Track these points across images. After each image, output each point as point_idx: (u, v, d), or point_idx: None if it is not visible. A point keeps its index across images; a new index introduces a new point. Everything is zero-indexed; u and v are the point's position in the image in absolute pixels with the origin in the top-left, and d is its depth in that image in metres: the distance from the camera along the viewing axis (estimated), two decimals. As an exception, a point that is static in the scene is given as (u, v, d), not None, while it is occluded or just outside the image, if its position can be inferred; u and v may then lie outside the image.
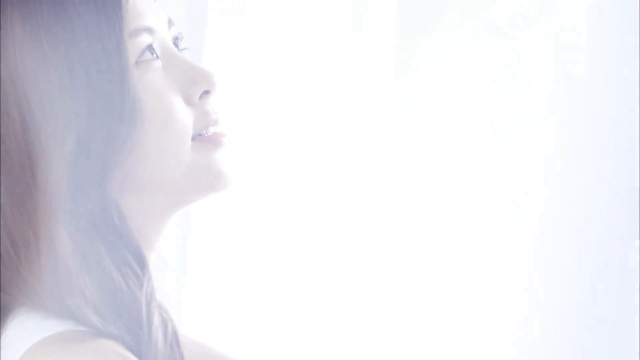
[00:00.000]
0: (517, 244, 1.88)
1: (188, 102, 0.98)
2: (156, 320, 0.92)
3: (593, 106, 1.84)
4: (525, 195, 1.87)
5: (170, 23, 1.02)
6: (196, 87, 0.99)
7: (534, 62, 1.86)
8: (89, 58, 0.93)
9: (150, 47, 0.97)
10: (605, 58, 1.82)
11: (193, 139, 0.98)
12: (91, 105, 0.92)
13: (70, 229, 0.92)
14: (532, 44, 1.85)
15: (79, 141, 0.92)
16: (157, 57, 0.97)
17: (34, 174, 0.92)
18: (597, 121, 1.85)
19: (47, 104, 0.92)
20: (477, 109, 1.83)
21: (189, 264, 1.88)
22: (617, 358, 1.85)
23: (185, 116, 0.97)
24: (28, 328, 0.92)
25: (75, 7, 0.93)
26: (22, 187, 0.92)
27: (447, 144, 1.85)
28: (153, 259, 1.00)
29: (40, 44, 0.92)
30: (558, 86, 1.85)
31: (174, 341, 0.95)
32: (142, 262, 0.94)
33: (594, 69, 1.83)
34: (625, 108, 1.82)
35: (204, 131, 0.99)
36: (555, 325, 1.86)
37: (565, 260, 1.87)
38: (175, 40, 1.02)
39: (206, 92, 1.00)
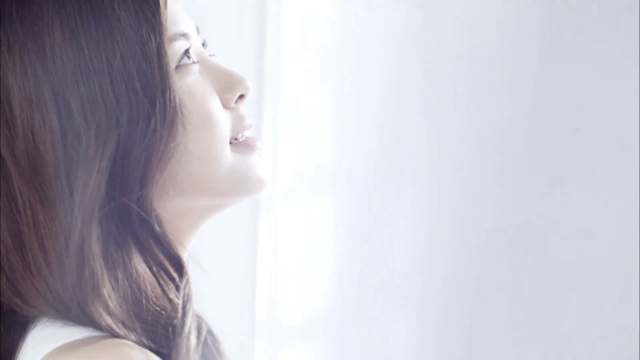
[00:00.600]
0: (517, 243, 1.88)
1: (225, 106, 1.00)
2: (189, 322, 0.92)
3: (593, 106, 1.86)
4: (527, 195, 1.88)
5: (198, 30, 1.03)
6: (232, 91, 1.01)
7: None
8: (130, 63, 0.93)
9: (187, 52, 0.98)
10: (605, 58, 1.83)
11: (230, 142, 1.00)
12: (133, 109, 0.92)
13: (104, 235, 0.91)
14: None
15: (120, 146, 0.92)
16: (195, 61, 0.99)
17: (69, 180, 0.91)
18: (597, 121, 1.86)
19: (88, 110, 0.91)
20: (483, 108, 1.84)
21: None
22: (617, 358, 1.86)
23: (224, 119, 0.99)
24: (46, 336, 0.92)
25: (115, 12, 0.93)
26: (55, 193, 0.91)
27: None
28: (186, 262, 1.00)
29: (81, 49, 0.92)
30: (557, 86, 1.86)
31: (210, 342, 0.95)
32: (180, 268, 0.94)
33: (593, 69, 1.84)
34: (625, 108, 1.83)
35: (240, 135, 1.01)
36: (556, 325, 1.87)
37: (565, 260, 1.88)
38: (203, 47, 1.04)
39: (241, 97, 1.02)
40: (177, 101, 0.94)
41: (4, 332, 0.96)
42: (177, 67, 0.96)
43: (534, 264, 1.87)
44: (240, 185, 1.00)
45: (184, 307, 0.92)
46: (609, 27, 1.85)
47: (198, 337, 0.92)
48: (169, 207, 0.96)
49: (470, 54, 1.82)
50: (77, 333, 0.90)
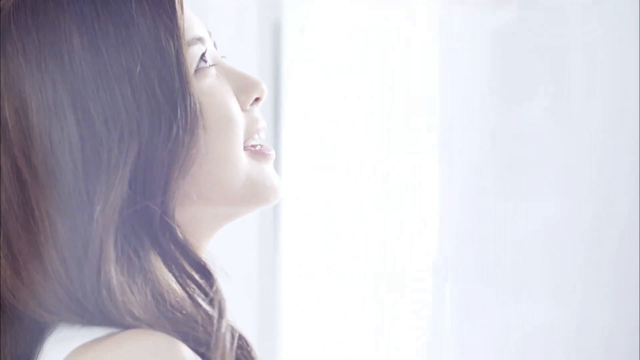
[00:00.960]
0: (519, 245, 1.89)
1: (241, 108, 1.00)
2: (225, 325, 0.90)
3: (593, 106, 1.86)
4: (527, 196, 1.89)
5: (209, 33, 1.03)
6: (248, 94, 1.01)
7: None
8: (149, 69, 0.92)
9: (204, 56, 0.98)
10: (605, 58, 1.84)
11: (245, 147, 1.00)
12: (154, 116, 0.92)
13: (123, 243, 0.90)
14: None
15: (142, 153, 0.91)
16: (211, 64, 0.99)
17: (88, 189, 0.90)
18: (597, 122, 1.86)
19: (109, 117, 0.91)
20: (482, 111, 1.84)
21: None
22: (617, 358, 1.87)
23: (242, 120, 1.00)
24: (66, 336, 0.91)
25: (133, 18, 0.93)
26: (74, 203, 0.91)
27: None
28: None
29: (100, 55, 0.92)
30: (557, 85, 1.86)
31: (243, 346, 0.94)
32: (206, 273, 0.93)
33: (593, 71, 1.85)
34: (625, 109, 1.84)
35: (256, 136, 1.01)
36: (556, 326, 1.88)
37: (566, 261, 1.89)
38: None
39: (256, 100, 1.02)
40: (198, 106, 0.94)
41: (21, 339, 0.95)
42: (195, 71, 0.96)
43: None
44: (255, 193, 1.00)
45: (219, 311, 0.90)
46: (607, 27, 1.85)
47: (231, 342, 0.91)
48: (187, 214, 0.96)
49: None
50: (98, 331, 0.90)
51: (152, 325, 0.88)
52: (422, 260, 1.81)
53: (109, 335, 0.88)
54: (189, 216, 0.96)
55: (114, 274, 0.89)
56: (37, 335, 0.95)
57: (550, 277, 1.88)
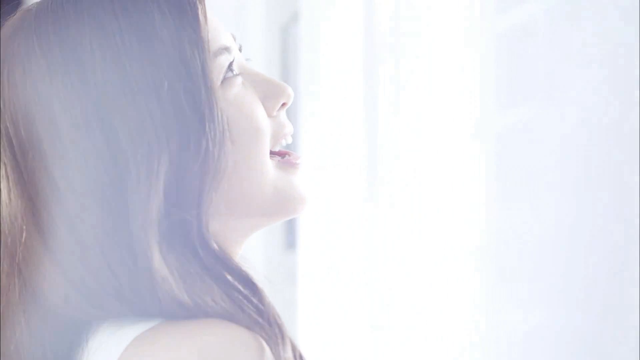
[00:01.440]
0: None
1: (267, 114, 1.00)
2: (289, 344, 0.89)
3: (592, 106, 1.87)
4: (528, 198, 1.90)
5: (234, 37, 1.02)
6: (275, 100, 1.00)
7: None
8: (175, 83, 0.91)
9: (231, 66, 0.97)
10: (605, 58, 1.85)
11: (271, 153, 0.99)
12: (182, 130, 0.91)
13: (169, 254, 0.90)
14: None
15: (173, 168, 0.91)
16: (238, 74, 0.98)
17: (127, 204, 0.90)
18: (596, 122, 1.87)
19: (136, 132, 0.90)
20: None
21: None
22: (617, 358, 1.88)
23: (268, 129, 0.99)
24: (120, 326, 0.90)
25: (156, 31, 0.92)
26: (115, 219, 0.90)
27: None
28: None
29: (123, 71, 0.91)
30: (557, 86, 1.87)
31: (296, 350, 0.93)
32: (252, 286, 0.92)
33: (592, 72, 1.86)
34: (625, 110, 1.85)
35: (283, 140, 1.01)
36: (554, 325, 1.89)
37: (567, 261, 1.90)
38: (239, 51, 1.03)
39: (282, 105, 1.01)
40: (226, 119, 0.93)
41: (61, 339, 0.94)
42: (222, 81, 0.96)
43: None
44: (282, 205, 0.99)
45: (279, 328, 0.89)
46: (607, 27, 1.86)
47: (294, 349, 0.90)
48: (217, 225, 0.95)
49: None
50: (158, 322, 0.89)
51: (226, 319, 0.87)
52: (433, 261, 1.82)
53: (178, 322, 0.87)
54: (219, 227, 0.95)
55: (172, 281, 0.88)
56: (80, 333, 0.94)
57: (551, 278, 1.89)
